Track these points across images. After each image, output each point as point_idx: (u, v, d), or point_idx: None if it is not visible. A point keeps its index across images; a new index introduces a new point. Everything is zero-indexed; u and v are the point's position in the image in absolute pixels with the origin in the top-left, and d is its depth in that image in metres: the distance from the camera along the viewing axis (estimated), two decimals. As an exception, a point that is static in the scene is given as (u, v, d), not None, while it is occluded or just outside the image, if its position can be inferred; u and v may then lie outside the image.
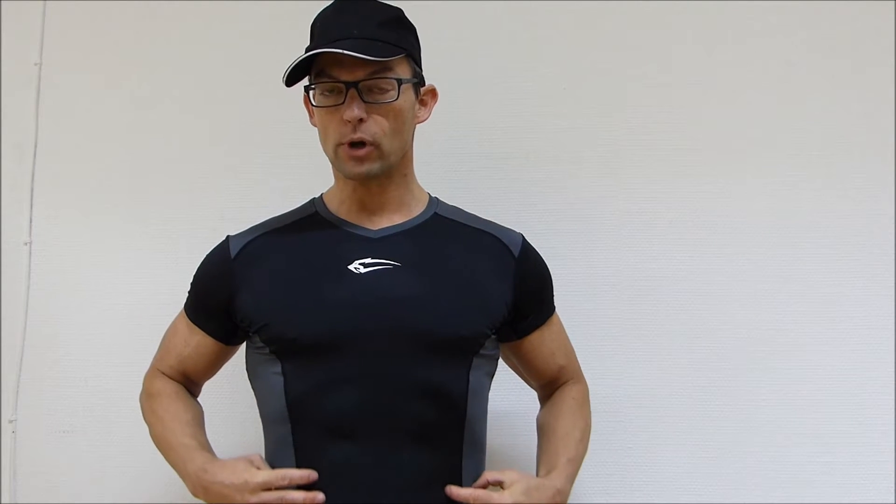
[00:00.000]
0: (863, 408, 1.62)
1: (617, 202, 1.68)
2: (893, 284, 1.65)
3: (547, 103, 1.71)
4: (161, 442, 1.29)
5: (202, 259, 1.33)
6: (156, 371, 1.35)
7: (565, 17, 1.72)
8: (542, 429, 1.36)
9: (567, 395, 1.37)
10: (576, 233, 1.67)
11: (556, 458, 1.28)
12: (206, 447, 1.27)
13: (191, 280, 1.34)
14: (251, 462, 1.20)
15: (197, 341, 1.32)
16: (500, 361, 1.35)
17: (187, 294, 1.34)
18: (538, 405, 1.42)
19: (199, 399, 1.38)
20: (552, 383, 1.39)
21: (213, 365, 1.35)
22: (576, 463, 1.30)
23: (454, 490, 1.20)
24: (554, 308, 1.38)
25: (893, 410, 1.62)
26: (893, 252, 1.66)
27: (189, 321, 1.32)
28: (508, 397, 1.54)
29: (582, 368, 1.42)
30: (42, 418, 1.67)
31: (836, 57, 1.70)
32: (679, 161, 1.69)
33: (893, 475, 1.61)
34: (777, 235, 1.67)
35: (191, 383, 1.36)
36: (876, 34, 1.70)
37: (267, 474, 1.18)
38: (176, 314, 1.36)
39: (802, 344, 1.64)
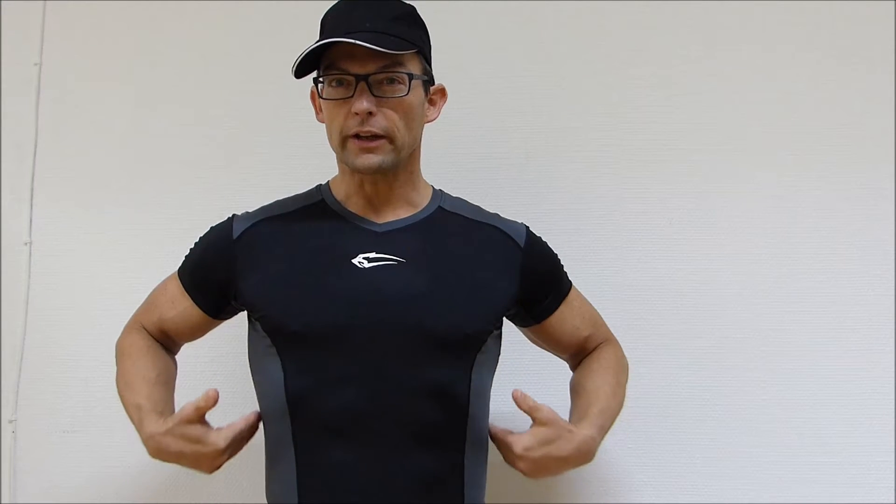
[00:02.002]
0: (863, 408, 1.62)
1: (617, 202, 1.68)
2: (893, 284, 1.65)
3: (547, 103, 1.71)
4: (121, 398, 1.27)
5: (206, 230, 1.32)
6: (136, 322, 1.34)
7: (565, 17, 1.72)
8: (573, 389, 1.34)
9: (596, 357, 1.36)
10: (576, 232, 1.67)
11: (587, 409, 1.25)
12: (160, 407, 1.21)
13: (191, 247, 1.33)
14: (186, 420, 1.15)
15: (184, 307, 1.31)
16: (501, 357, 1.34)
17: (184, 258, 1.33)
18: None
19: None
20: (581, 352, 1.39)
21: (195, 332, 1.34)
22: (607, 414, 1.26)
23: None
24: (570, 284, 1.38)
25: (893, 410, 1.62)
26: (893, 252, 1.66)
27: (180, 285, 1.32)
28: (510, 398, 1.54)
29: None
30: (42, 418, 1.67)
31: (836, 57, 1.70)
32: (679, 161, 1.69)
33: (893, 475, 1.61)
34: (777, 235, 1.67)
35: (170, 342, 1.35)
36: (876, 34, 1.70)
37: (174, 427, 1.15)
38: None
39: (802, 344, 1.64)
